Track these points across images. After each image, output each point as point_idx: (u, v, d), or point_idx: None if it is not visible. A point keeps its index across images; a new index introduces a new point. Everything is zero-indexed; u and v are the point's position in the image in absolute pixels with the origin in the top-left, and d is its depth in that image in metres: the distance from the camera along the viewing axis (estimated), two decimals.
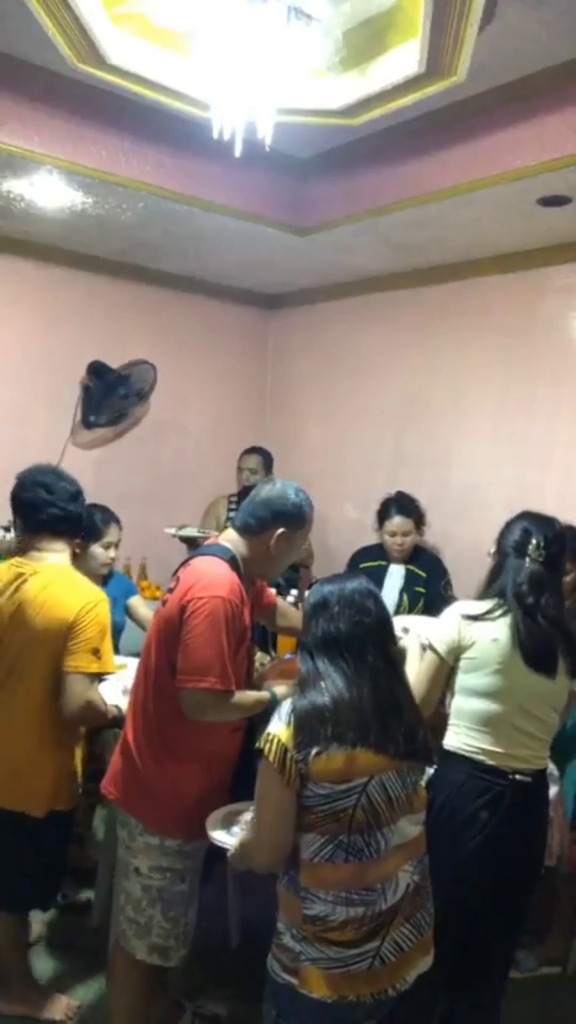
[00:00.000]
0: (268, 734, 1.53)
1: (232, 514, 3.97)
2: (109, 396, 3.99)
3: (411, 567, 3.46)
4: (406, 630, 2.47)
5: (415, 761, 1.58)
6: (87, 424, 4.01)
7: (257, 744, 1.55)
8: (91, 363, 3.95)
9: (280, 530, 1.95)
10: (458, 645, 1.97)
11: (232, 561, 1.93)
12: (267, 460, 4.20)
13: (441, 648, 2.00)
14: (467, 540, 3.74)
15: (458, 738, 1.98)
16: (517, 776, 1.93)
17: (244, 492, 4.04)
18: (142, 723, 1.96)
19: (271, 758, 1.49)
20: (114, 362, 4.01)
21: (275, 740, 1.51)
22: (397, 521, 3.41)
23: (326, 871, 1.51)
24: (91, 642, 2.06)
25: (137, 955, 1.97)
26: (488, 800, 1.92)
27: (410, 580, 3.43)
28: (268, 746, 1.51)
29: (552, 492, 3.39)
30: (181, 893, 1.96)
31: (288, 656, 3.12)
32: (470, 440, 3.79)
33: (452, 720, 2.01)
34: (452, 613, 2.03)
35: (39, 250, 3.82)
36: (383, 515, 3.46)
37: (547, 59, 2.34)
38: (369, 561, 3.50)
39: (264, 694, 1.94)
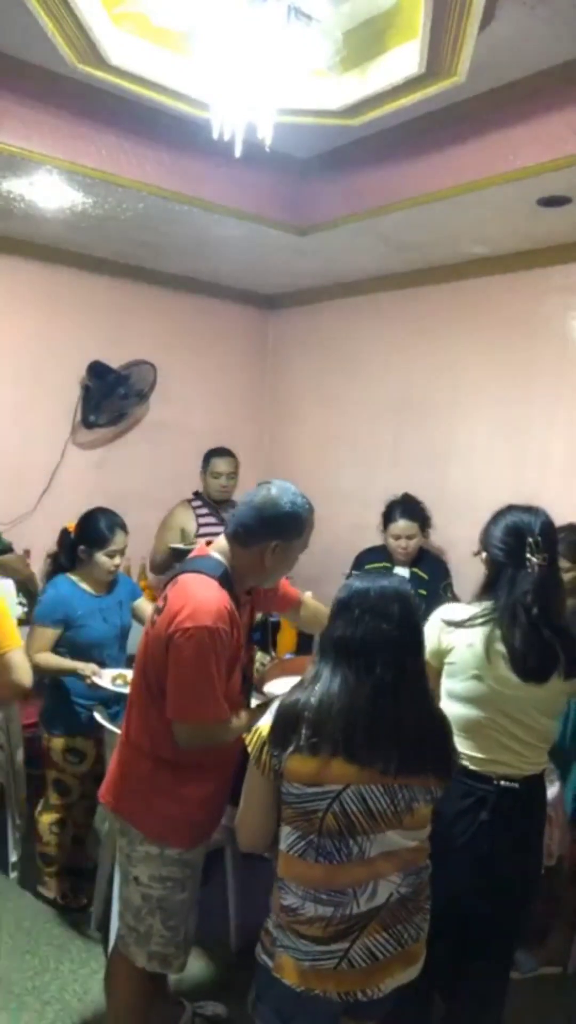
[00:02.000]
0: (256, 727, 1.61)
1: (203, 520, 3.85)
2: (109, 396, 4.00)
3: (415, 570, 3.45)
4: None
5: (414, 777, 1.53)
6: (87, 424, 4.02)
7: (246, 736, 1.63)
8: (91, 363, 3.96)
9: (274, 543, 1.83)
10: (439, 649, 1.96)
11: (223, 577, 1.82)
12: (237, 462, 3.97)
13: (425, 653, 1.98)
14: (466, 540, 3.72)
15: None
16: (502, 782, 1.91)
17: (223, 501, 3.90)
18: (137, 733, 1.94)
19: (251, 749, 1.58)
20: (114, 362, 4.02)
21: (257, 733, 1.58)
22: (402, 524, 3.40)
23: (298, 866, 1.54)
24: None
25: (137, 962, 1.96)
26: (471, 804, 1.91)
27: (414, 583, 3.40)
28: (251, 737, 1.59)
29: (551, 491, 3.38)
30: (181, 902, 1.94)
31: (288, 656, 3.13)
32: (469, 440, 3.79)
33: None
34: (435, 617, 2.01)
35: (39, 250, 3.82)
36: (388, 517, 3.45)
37: (547, 59, 2.33)
38: (374, 563, 3.50)
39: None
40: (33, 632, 2.72)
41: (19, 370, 3.88)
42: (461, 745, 1.92)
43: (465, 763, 1.92)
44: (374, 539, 3.57)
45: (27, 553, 3.60)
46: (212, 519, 3.90)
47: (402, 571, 3.44)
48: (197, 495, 3.99)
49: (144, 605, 3.00)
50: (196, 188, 3.02)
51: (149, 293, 4.28)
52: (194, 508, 3.92)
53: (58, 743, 2.78)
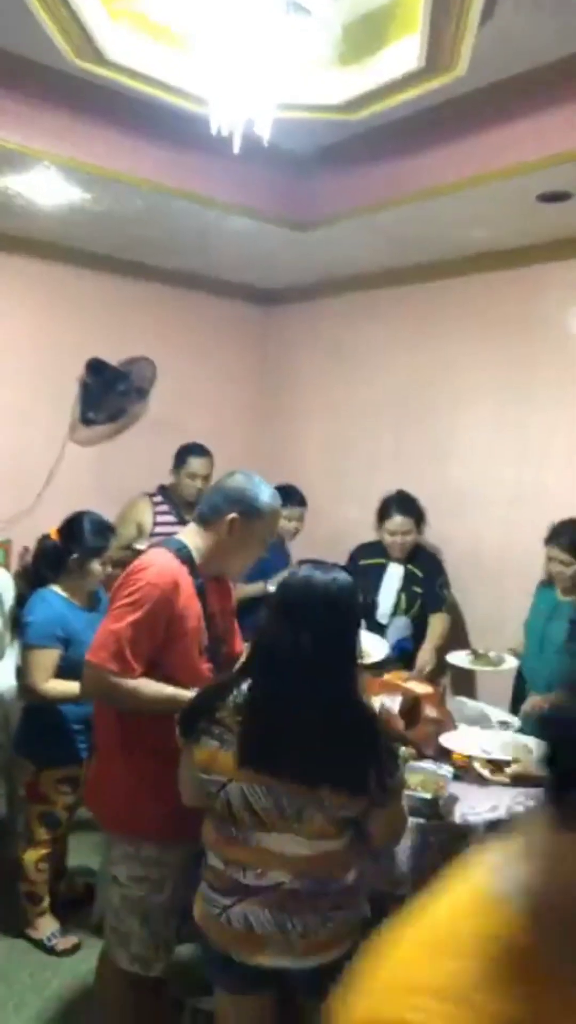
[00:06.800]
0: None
1: (161, 519, 3.62)
2: (108, 393, 3.99)
3: (410, 566, 3.45)
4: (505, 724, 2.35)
5: (303, 788, 1.48)
6: (86, 421, 4.01)
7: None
8: (89, 360, 3.95)
9: (232, 515, 1.89)
10: None
11: (180, 551, 1.89)
12: (212, 463, 3.70)
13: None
14: (466, 537, 3.74)
15: None
16: None
17: (192, 503, 3.59)
18: (103, 722, 1.95)
19: (178, 723, 1.65)
20: (113, 359, 4.01)
21: (184, 711, 1.66)
22: (397, 520, 3.40)
23: (205, 824, 1.66)
24: None
25: (121, 964, 1.94)
26: None
27: (408, 579, 3.43)
28: (181, 712, 1.67)
29: (552, 489, 3.39)
30: (160, 904, 1.92)
31: None
32: (469, 437, 3.78)
33: None
34: None
35: (38, 246, 3.81)
36: (383, 514, 3.45)
37: (547, 54, 2.32)
38: (369, 558, 3.50)
39: (184, 694, 1.83)
40: (33, 658, 2.44)
41: (18, 367, 3.88)
42: None
43: None
44: (374, 535, 3.56)
45: (25, 550, 3.60)
46: (171, 517, 3.65)
47: (396, 567, 3.44)
48: (162, 490, 3.75)
49: None
50: (195, 184, 3.01)
51: (148, 289, 4.27)
52: (154, 503, 3.67)
53: (49, 775, 2.55)
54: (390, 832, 1.64)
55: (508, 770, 2.14)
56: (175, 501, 3.70)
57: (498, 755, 2.28)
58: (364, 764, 1.49)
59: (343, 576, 1.55)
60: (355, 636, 1.56)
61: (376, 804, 1.52)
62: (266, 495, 1.94)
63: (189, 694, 1.83)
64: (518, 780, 2.09)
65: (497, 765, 2.25)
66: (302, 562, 1.62)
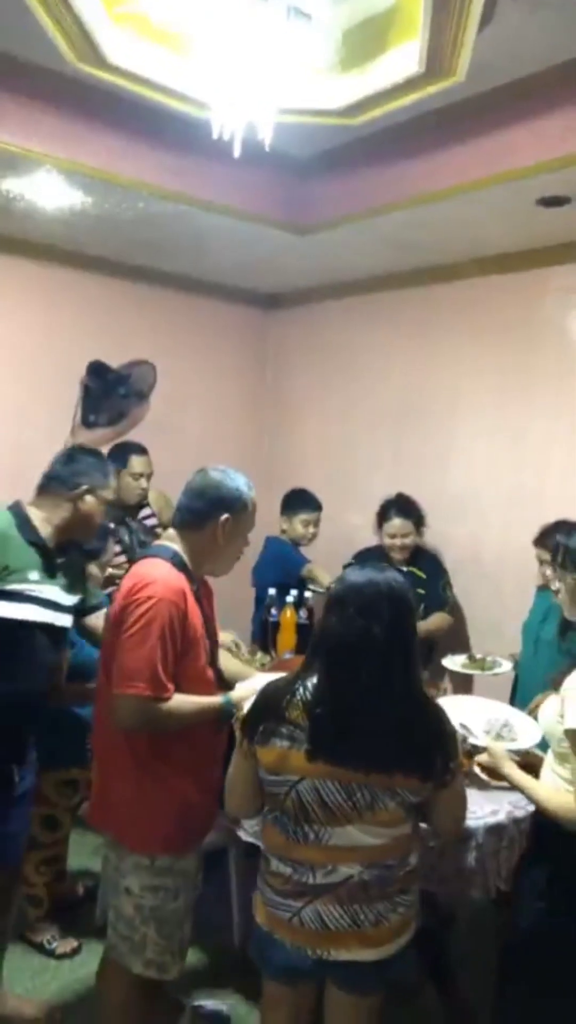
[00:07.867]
0: (247, 709, 1.69)
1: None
2: (109, 396, 4.00)
3: (412, 569, 3.46)
4: (465, 728, 2.25)
5: (377, 776, 1.53)
6: (87, 424, 4.02)
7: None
8: (91, 363, 3.96)
9: (223, 516, 1.89)
10: None
11: (175, 559, 1.88)
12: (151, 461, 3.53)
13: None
14: (465, 541, 3.74)
15: None
16: None
17: (133, 506, 3.53)
18: (107, 735, 1.90)
19: (238, 730, 1.68)
20: (114, 362, 4.01)
21: (243, 716, 1.69)
22: (397, 523, 3.41)
23: (268, 830, 1.69)
24: None
25: (134, 970, 1.91)
26: None
27: (410, 582, 3.41)
28: (239, 719, 1.70)
29: (550, 494, 3.39)
30: (175, 911, 1.90)
31: (288, 655, 3.12)
32: (469, 441, 3.79)
33: None
34: None
35: (39, 250, 3.82)
36: (383, 517, 3.46)
37: (546, 59, 2.34)
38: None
39: (216, 700, 1.87)
40: None
41: (19, 369, 3.88)
42: None
43: None
44: (375, 540, 3.57)
45: None
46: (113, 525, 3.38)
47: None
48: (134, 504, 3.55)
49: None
50: (196, 188, 3.02)
51: (149, 292, 4.28)
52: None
53: (51, 777, 2.54)
54: (453, 815, 1.67)
55: (476, 758, 2.16)
56: (115, 505, 3.39)
57: (479, 734, 2.26)
58: (432, 748, 1.57)
59: (397, 574, 1.66)
60: (415, 627, 1.63)
61: (440, 785, 1.59)
62: (244, 485, 1.95)
63: (218, 700, 1.87)
64: (484, 770, 2.14)
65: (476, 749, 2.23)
66: (350, 564, 1.66)
